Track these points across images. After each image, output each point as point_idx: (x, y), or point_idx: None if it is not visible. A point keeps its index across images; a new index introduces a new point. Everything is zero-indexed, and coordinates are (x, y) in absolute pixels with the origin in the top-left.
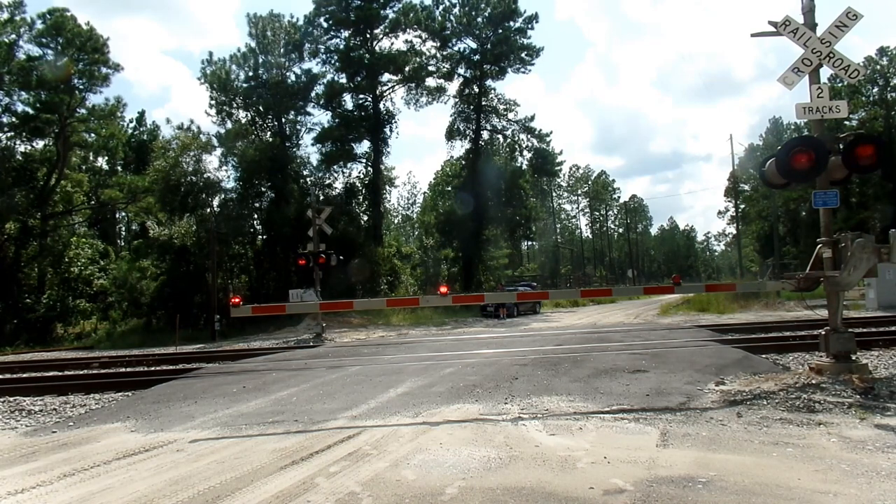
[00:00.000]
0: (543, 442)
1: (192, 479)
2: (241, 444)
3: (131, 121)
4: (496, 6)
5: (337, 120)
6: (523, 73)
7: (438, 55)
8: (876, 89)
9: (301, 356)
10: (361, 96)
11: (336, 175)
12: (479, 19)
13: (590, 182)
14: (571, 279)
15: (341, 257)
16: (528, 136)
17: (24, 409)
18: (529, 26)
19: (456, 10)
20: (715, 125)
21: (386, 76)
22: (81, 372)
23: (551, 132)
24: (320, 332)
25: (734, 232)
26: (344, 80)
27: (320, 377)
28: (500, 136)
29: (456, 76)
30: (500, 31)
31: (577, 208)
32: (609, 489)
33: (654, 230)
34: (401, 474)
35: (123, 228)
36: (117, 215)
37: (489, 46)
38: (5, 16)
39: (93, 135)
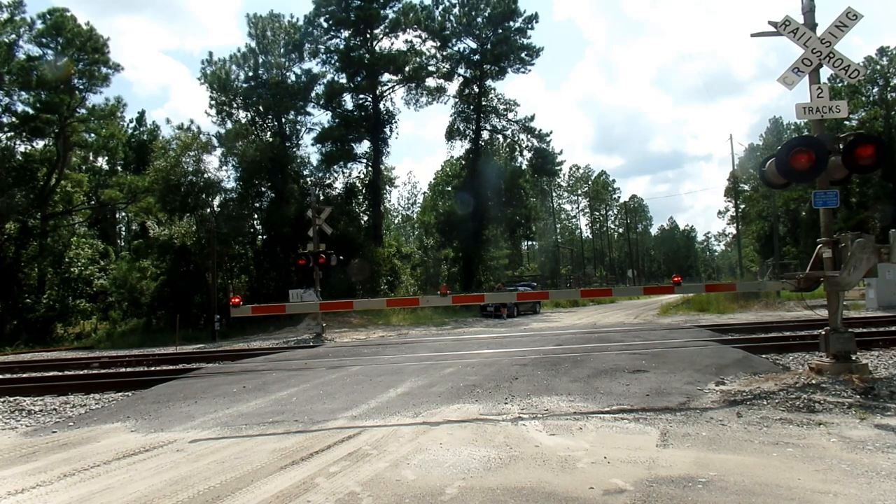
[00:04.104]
0: (543, 442)
1: (192, 479)
2: (241, 444)
3: (131, 121)
4: (496, 6)
5: (337, 120)
6: (523, 73)
7: (438, 55)
8: (876, 89)
9: (301, 356)
10: (361, 96)
11: (336, 175)
12: (479, 19)
13: (590, 182)
14: (571, 279)
15: (341, 257)
16: (528, 136)
17: (24, 409)
18: (529, 26)
19: (456, 10)
20: (715, 125)
21: (386, 76)
22: (81, 372)
23: (551, 132)
24: (320, 332)
25: (734, 232)
26: (344, 80)
27: (320, 377)
28: (500, 136)
29: (456, 76)
30: (500, 31)
31: (577, 208)
32: (609, 489)
33: (654, 230)
34: (401, 474)
35: (123, 228)
36: (117, 215)
37: (489, 46)
38: (5, 16)
39: (93, 135)
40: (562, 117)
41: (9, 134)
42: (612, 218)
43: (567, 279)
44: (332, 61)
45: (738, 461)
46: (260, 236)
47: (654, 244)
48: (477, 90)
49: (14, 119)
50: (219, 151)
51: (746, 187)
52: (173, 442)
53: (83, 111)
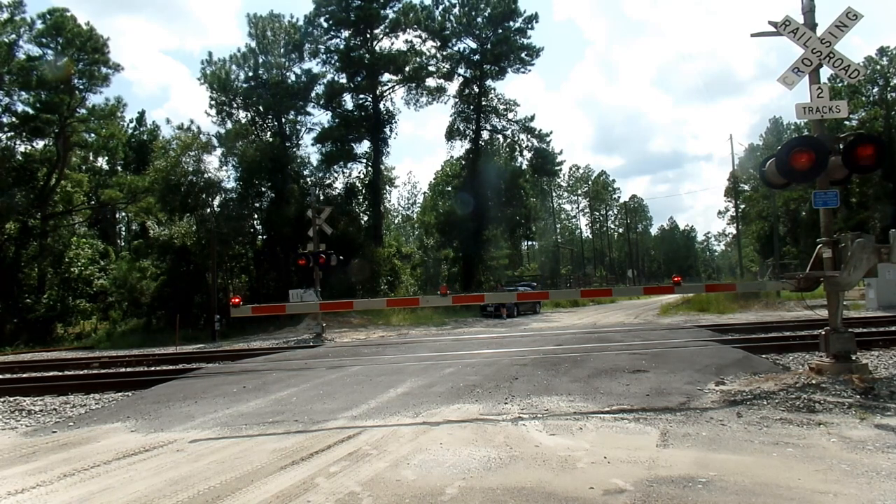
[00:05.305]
0: (543, 442)
1: (192, 479)
2: (241, 444)
3: (131, 121)
4: (496, 6)
5: (337, 120)
6: (523, 73)
7: (438, 55)
8: (876, 89)
9: (301, 356)
10: (361, 96)
11: (336, 175)
12: (479, 19)
13: (590, 182)
14: (571, 279)
15: (341, 257)
16: (528, 136)
17: (24, 409)
18: (529, 26)
19: (456, 10)
20: (715, 125)
21: (386, 76)
22: (81, 372)
23: (551, 132)
24: (320, 332)
25: (734, 232)
26: (344, 80)
27: (320, 377)
28: (500, 136)
29: (456, 76)
30: (500, 31)
31: (577, 208)
32: (609, 489)
33: (654, 230)
34: (401, 474)
35: (123, 228)
36: (117, 215)
37: (489, 46)
38: (5, 16)
39: (93, 135)
40: (562, 117)
41: (9, 134)
42: (612, 218)
43: (567, 279)
44: (332, 61)
45: (738, 461)
46: (260, 236)
47: (654, 244)
48: (477, 90)
49: (14, 119)
50: (219, 151)
51: (746, 187)
52: (173, 442)
53: (83, 111)
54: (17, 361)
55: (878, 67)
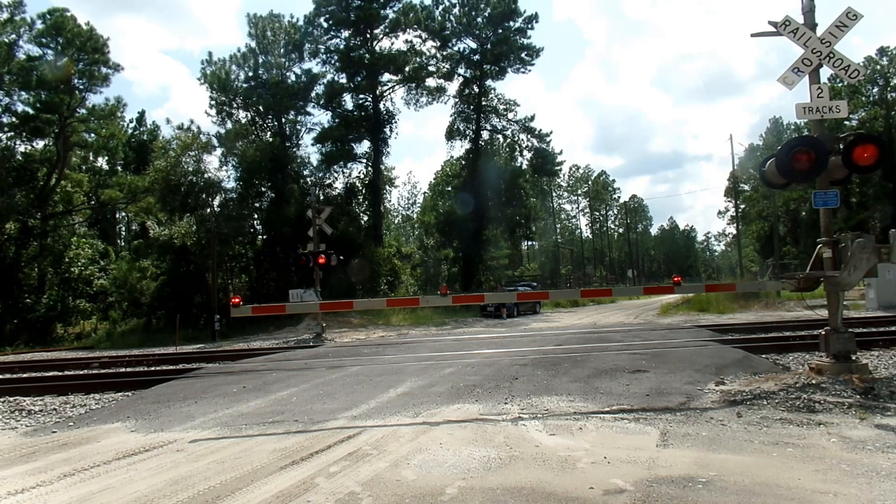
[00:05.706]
0: (543, 442)
1: (192, 479)
2: (241, 444)
3: (131, 121)
4: (496, 6)
5: (337, 120)
6: (523, 73)
7: (438, 55)
8: (876, 89)
9: (301, 356)
10: (361, 96)
11: (336, 175)
12: (479, 19)
13: (590, 182)
14: (571, 279)
15: (341, 257)
16: (528, 136)
17: (24, 409)
18: (529, 26)
19: (456, 10)
20: (715, 125)
21: (386, 76)
22: (81, 372)
23: (551, 132)
24: (320, 332)
25: (734, 232)
26: (344, 80)
27: (320, 377)
28: (500, 136)
29: (456, 76)
30: (500, 31)
31: (577, 208)
32: (609, 489)
33: (654, 230)
34: (401, 474)
35: (123, 228)
36: (117, 215)
37: (489, 46)
38: (5, 16)
39: (93, 135)
40: (562, 117)
41: (9, 134)
42: (612, 218)
43: (567, 279)
44: (332, 61)
45: (738, 461)
46: (260, 236)
47: (654, 244)
48: (477, 90)
49: (14, 119)
50: (219, 151)
51: (746, 187)
52: (173, 442)
53: (83, 111)
54: (17, 361)
55: (878, 67)
